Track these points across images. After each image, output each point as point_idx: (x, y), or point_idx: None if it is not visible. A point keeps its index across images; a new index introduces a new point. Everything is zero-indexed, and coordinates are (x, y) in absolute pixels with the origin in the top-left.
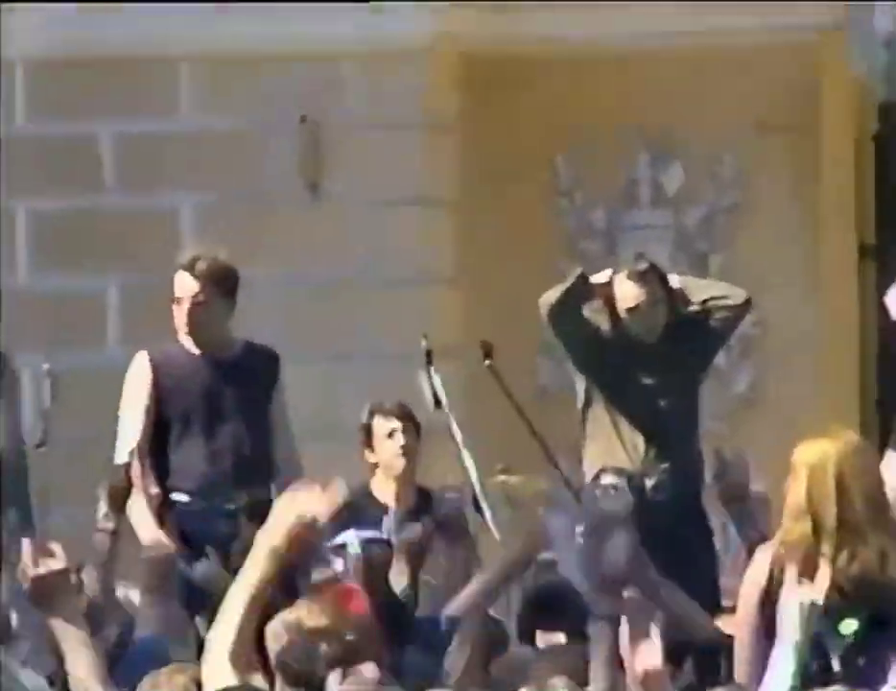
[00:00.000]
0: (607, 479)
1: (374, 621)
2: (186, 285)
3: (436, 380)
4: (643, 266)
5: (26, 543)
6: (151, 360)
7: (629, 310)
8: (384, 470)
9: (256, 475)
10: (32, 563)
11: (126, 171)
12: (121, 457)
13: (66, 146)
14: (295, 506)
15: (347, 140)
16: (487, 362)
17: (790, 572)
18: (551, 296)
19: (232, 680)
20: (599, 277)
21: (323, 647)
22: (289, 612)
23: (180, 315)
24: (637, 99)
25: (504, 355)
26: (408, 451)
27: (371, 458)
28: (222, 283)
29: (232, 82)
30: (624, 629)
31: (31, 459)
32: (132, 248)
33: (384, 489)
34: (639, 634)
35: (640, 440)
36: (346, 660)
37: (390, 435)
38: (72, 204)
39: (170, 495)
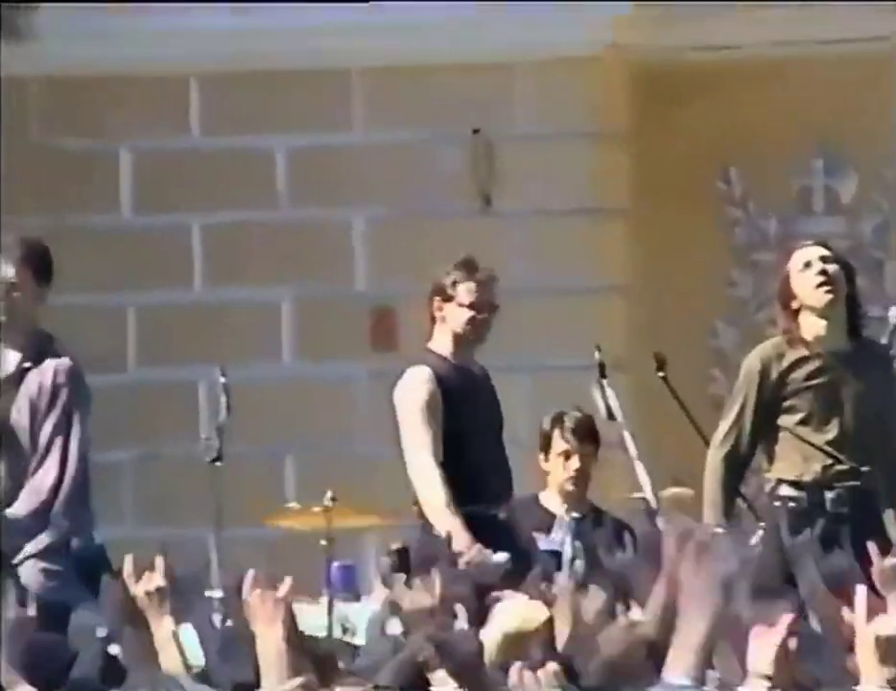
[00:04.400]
0: (785, 491)
1: None
2: (477, 292)
3: (610, 393)
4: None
5: (128, 559)
6: (436, 374)
7: (805, 266)
8: (553, 484)
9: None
10: (133, 580)
11: (299, 184)
12: (425, 475)
13: (240, 160)
14: None
15: (517, 151)
16: (660, 374)
17: None
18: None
19: None
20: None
21: None
22: None
23: (473, 323)
24: (810, 106)
25: (674, 366)
26: (580, 476)
27: (544, 466)
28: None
29: (404, 94)
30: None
31: (207, 474)
32: (306, 260)
33: (552, 500)
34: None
35: (824, 455)
36: None
37: (566, 456)
38: (246, 217)
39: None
